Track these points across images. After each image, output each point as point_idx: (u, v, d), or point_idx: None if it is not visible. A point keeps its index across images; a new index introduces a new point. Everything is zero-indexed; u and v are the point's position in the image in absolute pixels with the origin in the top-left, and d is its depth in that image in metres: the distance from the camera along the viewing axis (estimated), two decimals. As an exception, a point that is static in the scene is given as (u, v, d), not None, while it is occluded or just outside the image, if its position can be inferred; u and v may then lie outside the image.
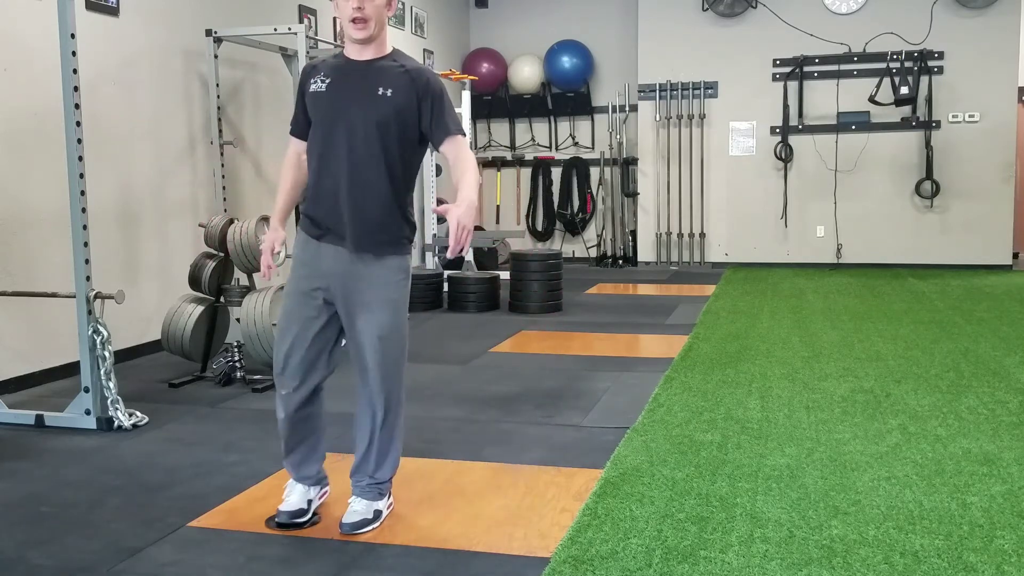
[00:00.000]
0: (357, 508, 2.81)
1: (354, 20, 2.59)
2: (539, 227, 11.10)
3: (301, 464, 2.91)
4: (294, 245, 2.87)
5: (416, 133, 2.70)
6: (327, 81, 2.69)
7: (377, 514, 2.83)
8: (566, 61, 10.54)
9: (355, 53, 2.69)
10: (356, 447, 2.87)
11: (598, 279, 9.34)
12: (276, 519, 2.85)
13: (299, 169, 2.87)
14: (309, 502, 2.89)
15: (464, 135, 2.71)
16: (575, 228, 10.99)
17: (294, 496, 2.88)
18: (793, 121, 9.86)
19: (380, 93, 2.63)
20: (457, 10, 10.88)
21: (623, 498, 3.01)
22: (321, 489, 2.96)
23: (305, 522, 2.83)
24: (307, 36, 5.92)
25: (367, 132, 2.64)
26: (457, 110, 8.89)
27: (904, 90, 9.29)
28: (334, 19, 7.80)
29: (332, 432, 3.87)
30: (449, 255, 2.49)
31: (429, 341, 6.00)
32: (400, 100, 2.64)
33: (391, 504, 2.92)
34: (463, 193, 2.53)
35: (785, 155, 9.89)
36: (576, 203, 10.98)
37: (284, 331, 2.80)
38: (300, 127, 2.80)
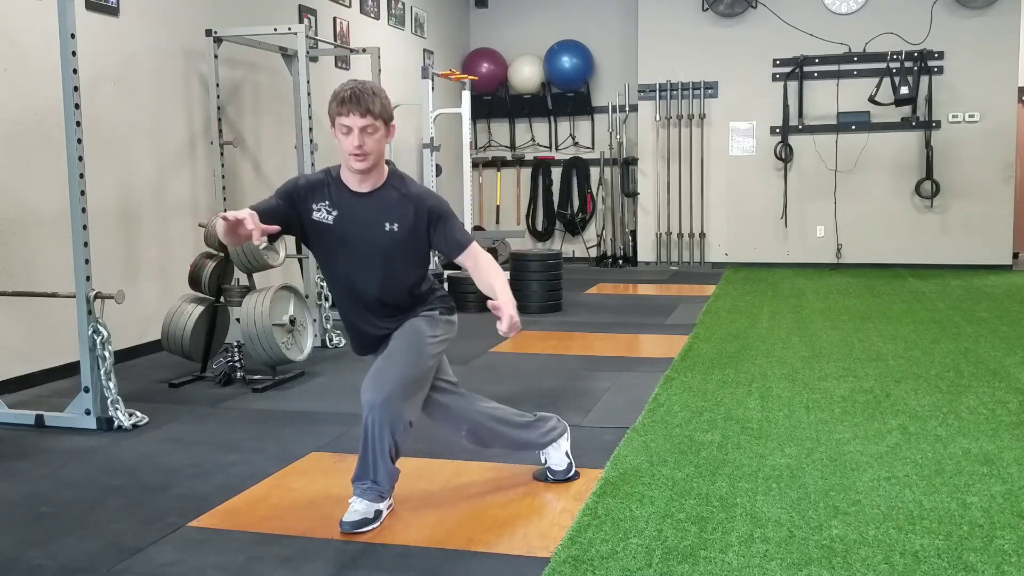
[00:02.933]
0: (358, 508, 2.83)
1: (354, 155, 2.66)
2: (539, 227, 11.10)
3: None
4: None
5: (426, 248, 2.85)
6: (333, 214, 2.76)
7: (377, 514, 2.84)
8: (566, 61, 10.54)
9: (355, 184, 2.76)
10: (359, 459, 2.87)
11: (598, 279, 9.34)
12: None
13: None
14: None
15: (473, 242, 2.83)
16: (575, 228, 11.00)
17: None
18: (793, 121, 9.86)
19: (387, 229, 2.75)
20: (457, 10, 10.88)
21: (623, 498, 3.01)
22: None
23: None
24: (307, 36, 5.91)
25: (382, 257, 2.78)
26: (457, 110, 8.98)
27: (904, 90, 9.29)
28: (334, 19, 7.81)
29: (332, 432, 3.88)
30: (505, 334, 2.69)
31: (429, 341, 6.00)
32: (406, 232, 2.77)
33: (391, 505, 2.93)
34: (504, 297, 2.69)
35: (785, 155, 9.89)
36: (576, 203, 10.99)
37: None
38: (271, 218, 2.65)
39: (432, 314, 2.93)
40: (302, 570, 2.54)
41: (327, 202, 2.75)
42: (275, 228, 2.64)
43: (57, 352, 4.88)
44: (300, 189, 2.78)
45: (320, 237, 2.79)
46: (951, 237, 9.61)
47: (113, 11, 5.33)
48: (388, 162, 2.83)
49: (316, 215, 2.75)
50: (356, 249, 2.77)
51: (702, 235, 10.29)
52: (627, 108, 10.56)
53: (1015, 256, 9.71)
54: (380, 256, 2.77)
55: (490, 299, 2.72)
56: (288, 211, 2.75)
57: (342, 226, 2.75)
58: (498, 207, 11.22)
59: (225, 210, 5.92)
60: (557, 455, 3.22)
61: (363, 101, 2.62)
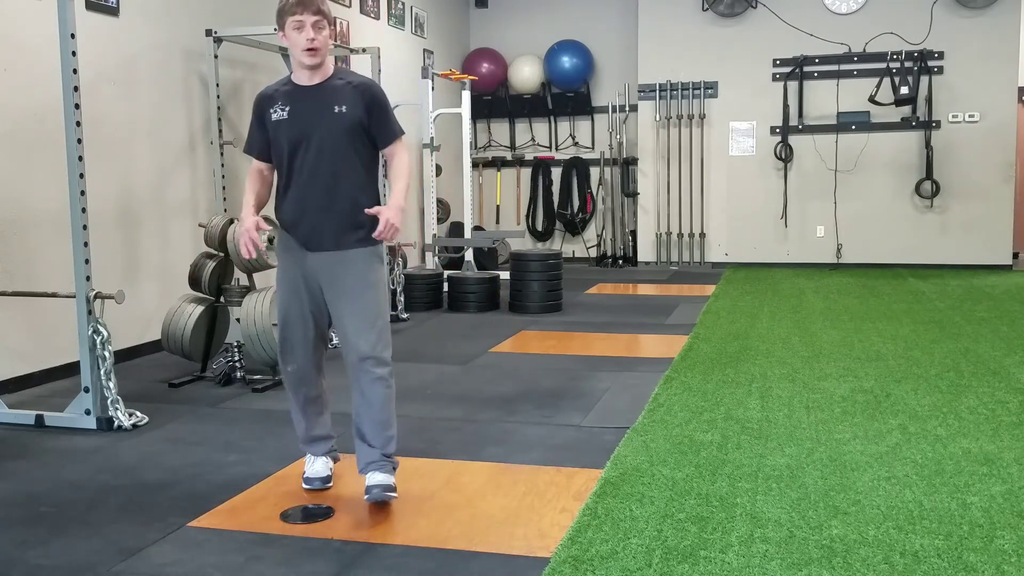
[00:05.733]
0: (379, 478, 2.98)
1: (308, 49, 2.95)
2: (539, 227, 11.10)
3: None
4: (277, 246, 3.18)
5: (370, 136, 3.07)
6: (287, 108, 3.01)
7: (394, 484, 3.01)
8: (566, 61, 10.54)
9: (305, 79, 3.03)
10: (361, 434, 3.05)
11: (598, 279, 9.34)
12: (306, 486, 3.15)
13: (263, 182, 3.14)
14: (331, 469, 3.21)
15: (403, 135, 3.11)
16: (575, 228, 11.00)
17: (317, 465, 3.20)
18: (793, 121, 9.86)
19: (336, 111, 2.99)
20: (457, 10, 10.88)
21: (623, 498, 3.01)
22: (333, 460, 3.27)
23: (329, 487, 3.15)
24: (307, 36, 5.91)
25: (334, 143, 2.99)
26: (457, 110, 8.97)
27: (904, 90, 9.30)
28: (334, 19, 7.81)
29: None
30: (376, 237, 2.94)
31: (429, 341, 6.00)
32: (353, 114, 3.00)
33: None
34: (394, 200, 2.97)
35: (785, 155, 9.89)
36: (576, 203, 10.99)
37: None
38: (260, 148, 3.08)
39: (376, 248, 3.07)
40: (302, 570, 2.54)
41: (280, 102, 3.02)
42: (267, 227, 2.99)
43: (57, 352, 4.88)
44: (261, 101, 3.09)
45: (279, 134, 3.01)
46: (951, 237, 9.61)
47: (113, 11, 5.33)
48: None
49: (274, 116, 3.01)
50: (314, 137, 2.97)
51: (702, 235, 10.29)
52: (627, 108, 10.56)
53: (1015, 256, 9.71)
54: (331, 140, 2.98)
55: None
56: (265, 132, 3.06)
57: (296, 116, 2.99)
58: (498, 207, 11.22)
59: (225, 210, 5.93)
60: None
61: (313, 2, 2.94)
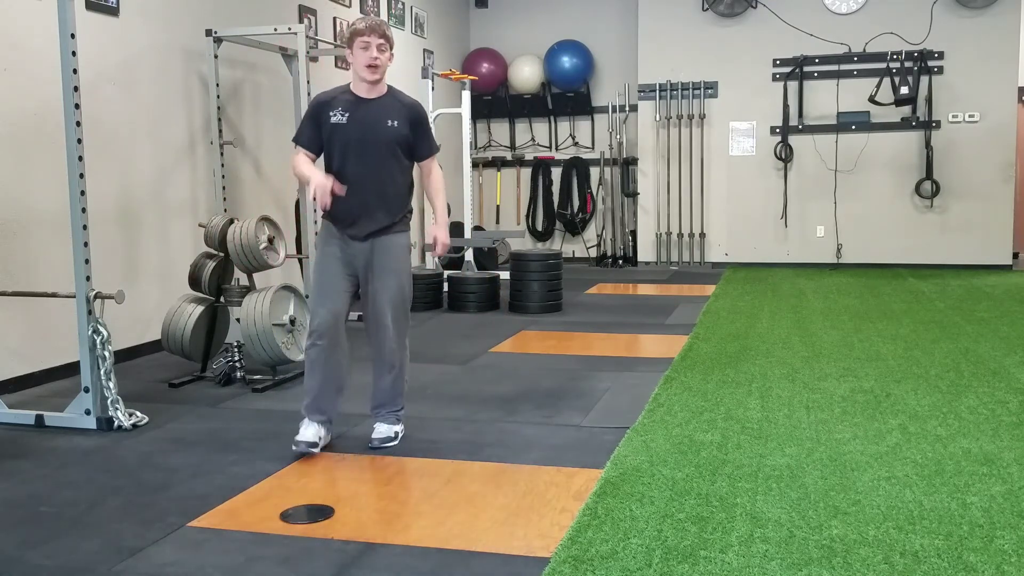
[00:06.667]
0: (382, 430, 3.63)
1: (369, 66, 3.46)
2: (539, 227, 11.10)
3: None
4: (320, 234, 3.70)
5: (411, 149, 3.62)
6: (346, 115, 3.50)
7: (396, 434, 3.65)
8: (566, 61, 10.54)
9: (364, 92, 3.54)
10: (377, 394, 3.67)
11: (598, 279, 9.34)
12: (294, 448, 3.52)
13: (313, 164, 3.60)
14: (320, 438, 3.57)
15: (437, 152, 3.71)
16: (575, 228, 11.00)
17: (310, 430, 3.56)
18: (793, 121, 9.86)
19: (389, 124, 3.52)
20: (457, 10, 10.88)
21: (623, 498, 3.01)
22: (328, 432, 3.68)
23: (314, 453, 3.54)
24: (307, 36, 5.92)
25: (384, 151, 3.53)
26: (457, 110, 8.98)
27: (904, 90, 9.29)
28: (334, 19, 7.81)
29: (332, 431, 3.88)
30: (438, 257, 3.45)
31: (429, 341, 6.00)
32: (402, 127, 3.55)
33: (403, 429, 3.71)
34: (440, 218, 3.68)
35: (785, 155, 9.89)
36: (576, 203, 10.99)
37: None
38: (312, 142, 3.56)
39: (407, 234, 3.67)
40: (302, 570, 2.54)
41: (340, 108, 3.51)
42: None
43: (57, 352, 4.88)
44: (320, 104, 3.56)
45: (335, 136, 3.50)
46: (951, 237, 9.61)
47: (113, 11, 5.33)
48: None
49: (333, 118, 3.50)
50: (365, 142, 3.49)
51: (702, 235, 10.30)
52: (627, 108, 10.56)
53: (1015, 256, 9.71)
54: (384, 148, 3.51)
55: (431, 223, 3.68)
56: (318, 130, 3.53)
57: (354, 123, 3.49)
58: (498, 207, 11.22)
59: (225, 210, 5.93)
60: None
61: (381, 27, 3.48)
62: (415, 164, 3.66)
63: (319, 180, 3.36)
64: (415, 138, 3.58)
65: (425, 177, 3.68)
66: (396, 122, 3.51)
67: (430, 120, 3.52)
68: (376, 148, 3.49)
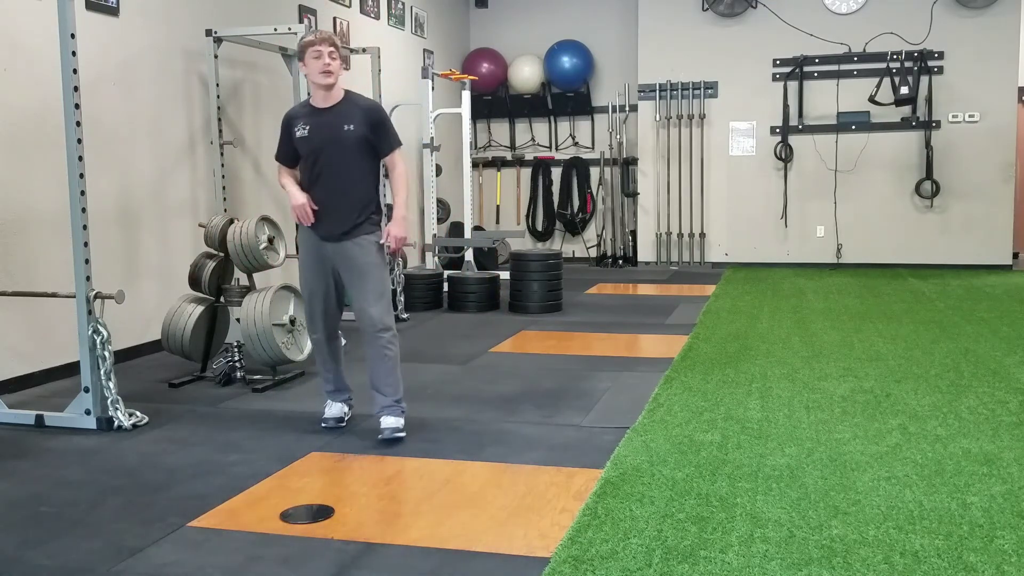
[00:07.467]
0: (390, 422, 3.74)
1: (323, 72, 3.67)
2: (539, 227, 11.10)
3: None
4: (298, 239, 3.92)
5: (374, 149, 3.80)
6: (307, 127, 3.75)
7: (403, 426, 3.77)
8: (566, 61, 10.54)
9: (321, 102, 3.76)
10: (377, 387, 3.77)
11: (598, 279, 9.34)
12: (323, 424, 3.92)
13: (294, 175, 3.88)
14: (345, 413, 3.98)
15: (401, 146, 3.87)
16: (575, 228, 11.00)
17: (334, 408, 3.96)
18: (793, 121, 9.86)
19: (347, 129, 3.72)
20: (457, 10, 10.88)
21: (623, 498, 3.01)
22: (350, 407, 4.04)
23: (344, 427, 3.93)
24: (307, 36, 5.91)
25: (345, 155, 3.74)
26: (457, 110, 8.98)
27: (904, 90, 9.29)
28: (334, 19, 7.81)
29: (332, 431, 3.88)
30: (391, 253, 3.80)
31: (429, 341, 6.00)
32: (360, 130, 3.74)
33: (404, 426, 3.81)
34: (397, 212, 3.79)
35: (785, 155, 9.89)
36: (576, 203, 10.99)
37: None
38: (287, 157, 3.86)
39: (377, 232, 3.81)
40: (302, 570, 2.54)
41: (302, 121, 3.77)
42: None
43: (57, 352, 4.88)
44: (288, 120, 3.84)
45: (301, 149, 3.76)
46: (951, 237, 9.61)
47: (113, 11, 5.33)
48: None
49: (298, 133, 3.76)
50: (328, 150, 3.71)
51: (702, 235, 10.29)
52: (627, 108, 10.56)
53: (1015, 256, 9.71)
54: (345, 152, 3.71)
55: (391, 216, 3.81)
56: (290, 145, 3.80)
57: (314, 133, 3.73)
58: (498, 207, 11.22)
59: (225, 210, 5.93)
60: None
61: (331, 38, 3.72)
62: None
63: (297, 200, 3.72)
64: (376, 137, 3.75)
65: (390, 171, 3.84)
66: (352, 126, 3.71)
67: (390, 117, 3.95)
68: (338, 153, 3.71)
